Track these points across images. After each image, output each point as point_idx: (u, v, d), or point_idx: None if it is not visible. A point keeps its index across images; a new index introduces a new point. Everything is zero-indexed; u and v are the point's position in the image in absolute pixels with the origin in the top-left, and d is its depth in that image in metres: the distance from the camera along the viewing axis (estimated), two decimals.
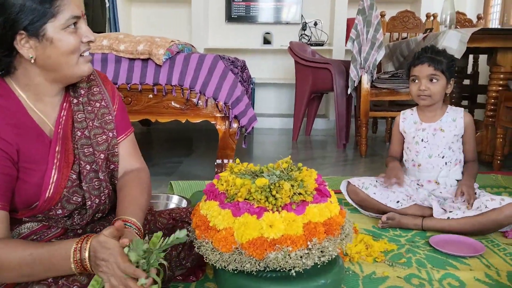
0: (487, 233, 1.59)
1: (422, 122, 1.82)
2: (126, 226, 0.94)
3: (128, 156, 1.12)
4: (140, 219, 1.00)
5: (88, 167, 1.00)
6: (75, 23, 0.92)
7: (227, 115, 2.22)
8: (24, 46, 0.88)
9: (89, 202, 1.00)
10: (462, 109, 1.81)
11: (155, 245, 0.86)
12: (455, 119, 1.77)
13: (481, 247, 1.47)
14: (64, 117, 0.99)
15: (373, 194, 1.75)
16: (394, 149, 1.93)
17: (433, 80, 1.73)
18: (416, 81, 1.76)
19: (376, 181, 1.81)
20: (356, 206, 1.83)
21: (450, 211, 1.62)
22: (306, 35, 4.51)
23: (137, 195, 1.06)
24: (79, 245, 0.84)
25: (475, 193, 1.68)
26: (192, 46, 2.70)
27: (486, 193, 1.70)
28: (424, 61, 1.73)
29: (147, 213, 1.21)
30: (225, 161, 2.29)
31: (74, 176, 0.98)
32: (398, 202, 1.72)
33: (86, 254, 0.83)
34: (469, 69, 3.78)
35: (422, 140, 1.80)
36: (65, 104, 1.01)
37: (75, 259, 0.83)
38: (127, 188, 1.06)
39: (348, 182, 1.84)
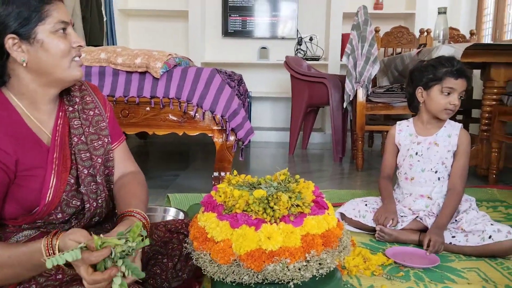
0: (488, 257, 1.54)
1: (417, 136, 1.79)
2: (132, 215, 0.97)
3: (123, 161, 1.16)
4: (144, 212, 1.02)
5: (85, 171, 1.03)
6: (64, 29, 0.95)
7: (224, 128, 2.23)
8: (17, 50, 0.91)
9: (88, 205, 1.02)
10: (460, 125, 1.75)
11: (134, 234, 0.84)
12: (450, 135, 1.73)
13: (436, 259, 1.49)
14: (61, 125, 1.02)
15: (371, 221, 1.74)
16: (388, 164, 1.87)
17: (462, 96, 1.66)
18: (450, 94, 1.65)
19: (366, 204, 1.79)
20: (352, 229, 1.78)
21: (453, 236, 1.59)
22: (302, 50, 4.56)
23: (138, 192, 1.09)
24: (50, 242, 0.83)
25: (469, 212, 1.65)
26: (189, 59, 2.71)
27: (487, 218, 1.61)
28: (467, 76, 1.62)
29: None
30: (222, 173, 2.29)
31: (72, 181, 1.00)
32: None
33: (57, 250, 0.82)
34: None
35: (416, 154, 1.77)
36: (60, 113, 1.03)
37: (48, 255, 0.82)
38: (127, 186, 1.10)
39: (343, 215, 1.80)
